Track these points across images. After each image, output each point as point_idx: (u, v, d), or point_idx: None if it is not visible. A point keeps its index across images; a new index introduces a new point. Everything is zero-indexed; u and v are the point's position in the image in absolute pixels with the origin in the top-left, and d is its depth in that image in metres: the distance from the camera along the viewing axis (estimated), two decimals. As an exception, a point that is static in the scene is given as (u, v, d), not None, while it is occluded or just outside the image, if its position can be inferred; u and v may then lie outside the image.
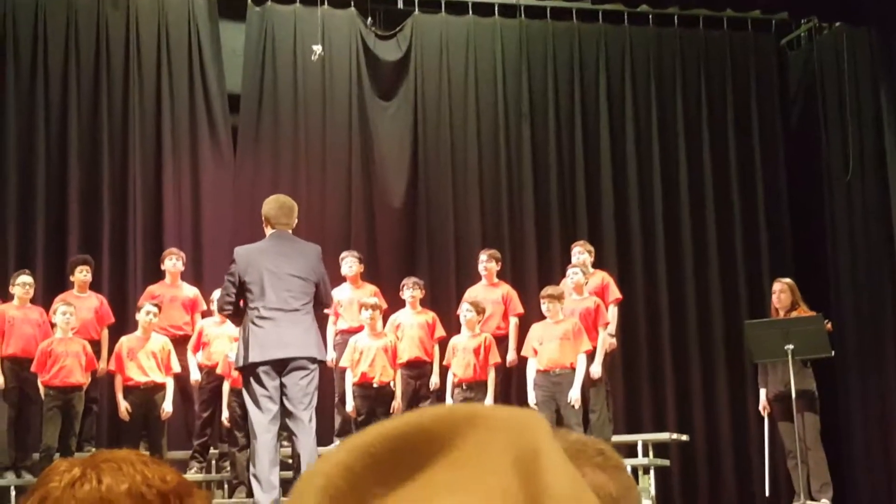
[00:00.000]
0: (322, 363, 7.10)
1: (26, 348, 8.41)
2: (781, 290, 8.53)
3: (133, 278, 9.79)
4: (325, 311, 7.50)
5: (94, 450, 8.68)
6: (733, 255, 11.10)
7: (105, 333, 8.94)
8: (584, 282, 8.95)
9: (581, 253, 9.24)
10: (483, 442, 0.58)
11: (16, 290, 8.56)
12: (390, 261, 10.47)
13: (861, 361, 10.44)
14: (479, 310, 8.86)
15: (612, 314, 9.10)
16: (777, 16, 11.41)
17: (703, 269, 11.02)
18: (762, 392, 8.57)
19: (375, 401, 8.69)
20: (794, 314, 8.35)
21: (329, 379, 8.77)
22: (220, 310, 7.47)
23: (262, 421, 6.56)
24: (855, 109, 10.81)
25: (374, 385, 8.68)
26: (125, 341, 8.58)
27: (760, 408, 8.63)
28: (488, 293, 9.34)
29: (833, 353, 8.14)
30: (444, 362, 8.89)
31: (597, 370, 8.73)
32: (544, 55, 11.17)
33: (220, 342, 8.69)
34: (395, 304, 9.25)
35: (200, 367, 8.77)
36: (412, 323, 9.10)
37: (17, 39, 9.91)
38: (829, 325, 8.31)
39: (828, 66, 11.23)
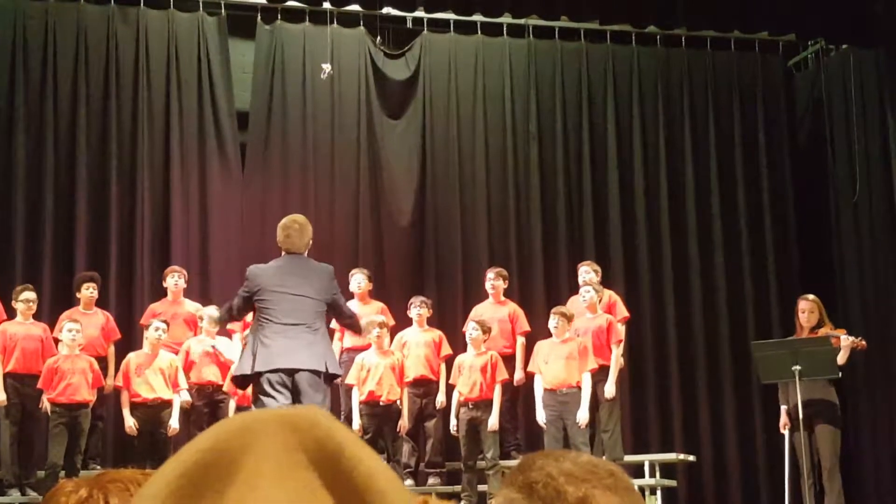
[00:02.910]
0: (333, 379, 7.04)
1: (28, 364, 8.40)
2: (810, 310, 8.38)
3: (140, 295, 9.79)
4: (350, 321, 7.35)
5: (99, 467, 8.67)
6: (740, 275, 11.08)
7: (111, 350, 8.93)
8: (596, 300, 8.95)
9: (588, 272, 9.24)
10: (269, 448, 0.58)
11: (18, 305, 8.55)
12: (397, 278, 10.48)
13: (870, 382, 10.41)
14: (485, 328, 8.85)
15: (621, 332, 9.09)
16: (784, 37, 11.42)
17: (710, 288, 11.01)
18: (783, 409, 8.41)
19: (382, 419, 8.68)
20: (820, 332, 8.27)
21: (335, 396, 8.76)
22: (220, 318, 7.50)
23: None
24: (862, 131, 10.83)
25: (381, 403, 8.67)
26: (133, 357, 8.58)
27: (781, 425, 8.49)
28: (495, 311, 9.34)
29: (840, 374, 8.09)
30: (450, 380, 8.87)
31: (610, 389, 8.72)
32: (552, 75, 11.20)
33: (210, 360, 8.69)
34: (403, 321, 9.25)
35: (190, 387, 8.74)
36: (419, 341, 9.09)
37: (27, 54, 9.96)
38: (862, 342, 8.22)
39: (835, 88, 11.25)
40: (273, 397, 6.51)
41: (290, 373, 6.55)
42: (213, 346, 8.74)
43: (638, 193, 11.11)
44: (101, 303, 9.14)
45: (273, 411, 0.61)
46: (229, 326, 8.57)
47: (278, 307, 6.57)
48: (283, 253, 6.87)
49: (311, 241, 6.93)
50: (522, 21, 11.03)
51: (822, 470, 8.12)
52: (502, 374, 8.78)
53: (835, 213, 11.13)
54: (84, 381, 8.31)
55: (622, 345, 9.02)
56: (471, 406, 8.69)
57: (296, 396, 6.49)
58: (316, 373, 6.60)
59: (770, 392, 8.88)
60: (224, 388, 8.65)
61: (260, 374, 6.56)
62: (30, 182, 9.79)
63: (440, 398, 9.02)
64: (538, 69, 11.17)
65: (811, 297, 8.51)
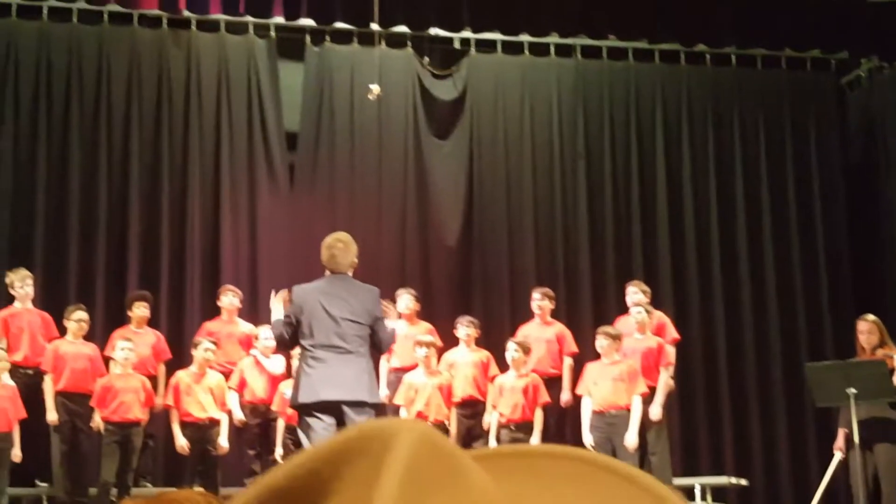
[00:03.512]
0: (376, 406, 6.94)
1: (78, 383, 8.49)
2: (869, 330, 8.21)
3: (190, 314, 9.87)
4: (383, 346, 7.34)
5: (149, 485, 8.75)
6: (793, 296, 10.95)
7: (162, 369, 9.00)
8: (647, 321, 8.89)
9: (636, 293, 9.17)
10: (362, 472, 0.56)
11: (70, 325, 8.65)
12: (444, 299, 10.46)
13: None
14: (526, 349, 8.80)
15: (671, 355, 9.01)
16: (837, 55, 11.31)
17: (761, 310, 10.89)
18: (841, 431, 8.20)
19: (429, 439, 8.62)
20: (879, 352, 8.11)
21: (383, 416, 8.74)
22: (279, 345, 7.42)
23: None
24: (916, 149, 10.68)
25: (429, 423, 8.63)
26: (183, 376, 8.63)
27: (835, 446, 8.29)
28: (542, 332, 9.30)
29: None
30: (491, 402, 8.82)
31: (657, 412, 8.64)
32: (600, 94, 11.16)
33: (263, 379, 8.72)
34: (449, 342, 9.23)
35: (243, 406, 8.77)
36: (466, 361, 9.07)
37: (81, 77, 10.11)
38: None
39: (889, 106, 11.11)
40: (319, 418, 6.47)
41: (334, 405, 6.48)
42: (266, 368, 8.77)
43: (687, 213, 11.03)
44: (152, 322, 9.22)
45: (370, 428, 0.58)
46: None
47: (321, 331, 6.46)
48: (327, 272, 6.75)
49: (356, 260, 6.80)
50: (570, 41, 11.01)
51: (882, 494, 7.95)
52: (543, 396, 8.73)
53: (888, 232, 10.97)
54: (136, 399, 8.38)
55: (671, 368, 8.94)
56: (513, 428, 8.65)
57: (340, 420, 6.45)
58: (359, 403, 6.52)
59: (823, 415, 8.76)
60: (273, 408, 8.67)
61: (305, 404, 6.50)
62: (84, 202, 9.93)
63: (487, 419, 8.98)
64: (586, 89, 11.14)
65: (871, 317, 8.29)
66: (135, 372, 8.53)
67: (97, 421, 8.38)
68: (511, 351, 8.76)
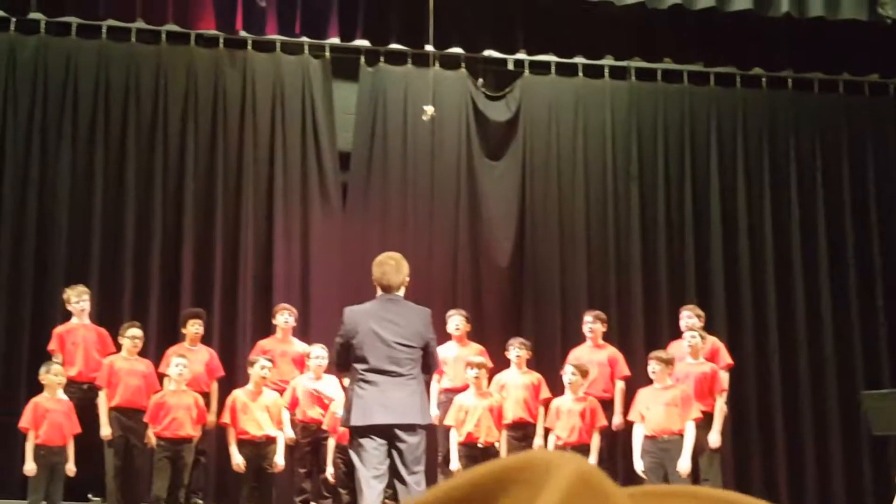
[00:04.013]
0: (427, 427, 6.91)
1: (132, 399, 8.56)
2: None
3: (242, 332, 9.93)
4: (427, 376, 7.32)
5: (201, 502, 8.80)
6: (848, 322, 10.81)
7: (215, 386, 9.05)
8: (701, 345, 8.82)
9: (690, 317, 9.10)
10: (519, 501, 0.58)
11: (124, 342, 8.73)
12: (496, 320, 10.44)
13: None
14: (583, 372, 8.76)
15: (725, 381, 8.92)
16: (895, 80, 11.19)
17: (816, 336, 10.76)
18: None
19: (480, 461, 8.48)
20: None
21: (433, 438, 8.74)
22: (337, 368, 7.40)
23: (369, 477, 6.48)
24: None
25: (480, 445, 8.63)
26: (239, 395, 8.67)
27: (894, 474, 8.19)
28: (593, 355, 9.24)
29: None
30: (546, 424, 8.79)
31: (715, 438, 8.56)
32: (654, 117, 11.12)
33: (315, 398, 8.75)
34: (500, 363, 9.20)
35: (294, 424, 8.79)
36: (518, 383, 9.04)
37: (139, 95, 10.23)
38: None
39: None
40: (371, 438, 6.45)
41: (386, 428, 6.47)
42: (317, 389, 8.80)
43: (741, 237, 10.94)
44: (205, 341, 9.28)
45: (535, 457, 0.61)
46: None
47: (372, 354, 6.41)
48: (378, 290, 6.68)
49: (407, 279, 6.70)
50: (625, 63, 10.99)
51: None
52: (601, 420, 8.68)
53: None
54: (189, 416, 8.44)
55: (725, 394, 8.85)
56: (569, 451, 8.58)
57: (391, 441, 6.43)
58: (411, 426, 6.50)
59: (880, 443, 8.63)
60: (324, 427, 8.69)
61: (357, 427, 6.49)
62: (139, 219, 10.04)
63: (538, 441, 8.94)
64: (640, 111, 11.10)
65: None
66: (188, 389, 8.60)
67: (150, 437, 8.44)
68: (568, 374, 8.72)
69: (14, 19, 9.97)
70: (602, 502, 0.58)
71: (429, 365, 6.69)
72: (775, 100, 11.28)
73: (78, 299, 8.91)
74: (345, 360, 6.64)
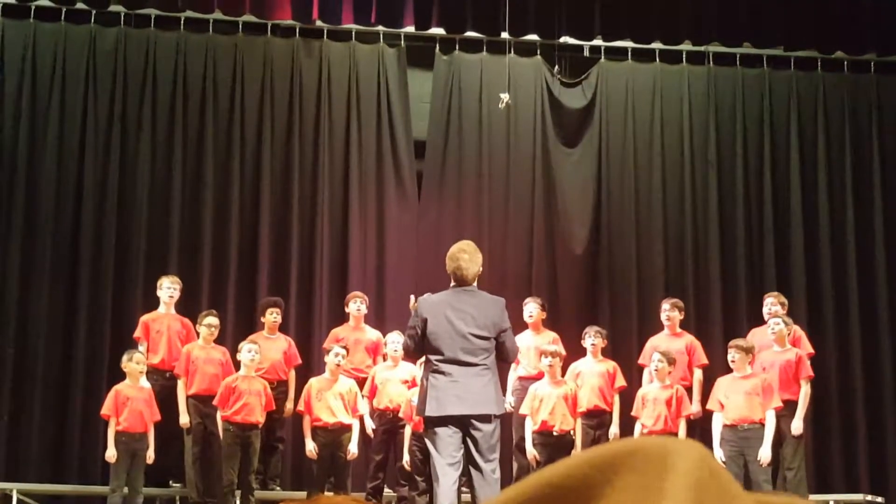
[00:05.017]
0: (501, 417, 6.86)
1: (209, 387, 8.66)
2: None
3: (318, 320, 10.00)
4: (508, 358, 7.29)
5: (278, 488, 8.91)
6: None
7: (292, 374, 9.13)
8: (786, 332, 8.70)
9: (774, 304, 8.99)
10: (631, 488, 0.56)
11: (202, 330, 8.85)
12: (571, 308, 10.40)
13: None
14: (670, 360, 8.69)
15: (810, 368, 8.80)
16: None
17: (897, 325, 10.55)
18: None
19: (555, 449, 8.59)
20: None
21: (508, 426, 8.73)
22: (407, 354, 7.42)
23: (444, 465, 6.48)
24: None
25: (554, 433, 8.61)
26: (314, 383, 8.72)
27: None
28: (671, 343, 9.16)
29: None
30: (633, 413, 8.72)
31: (798, 426, 8.47)
32: (732, 102, 10.95)
33: (393, 386, 8.76)
34: (575, 351, 9.16)
35: (372, 412, 8.83)
36: (593, 371, 8.99)
37: (216, 85, 10.34)
38: None
39: None
40: (446, 427, 6.45)
41: (461, 419, 6.46)
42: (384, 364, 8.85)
43: (823, 223, 10.74)
44: (282, 328, 9.36)
45: (645, 444, 0.60)
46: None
47: (446, 344, 6.39)
48: (452, 282, 6.63)
49: (481, 269, 6.66)
50: (703, 48, 10.84)
51: None
52: (687, 408, 8.61)
53: None
54: (258, 402, 8.52)
55: (811, 380, 8.72)
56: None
57: (465, 430, 6.42)
58: (486, 417, 6.49)
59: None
60: (400, 414, 8.73)
61: (431, 417, 6.49)
62: (216, 209, 10.14)
63: (613, 430, 8.89)
64: (718, 96, 10.94)
65: None
66: (258, 375, 8.67)
67: (218, 420, 8.50)
68: (655, 362, 8.65)
69: (95, 11, 10.13)
70: (725, 490, 0.56)
71: (506, 353, 6.67)
72: (857, 83, 11.04)
73: (171, 287, 9.04)
74: (419, 346, 6.64)
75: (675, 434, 8.41)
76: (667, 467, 0.56)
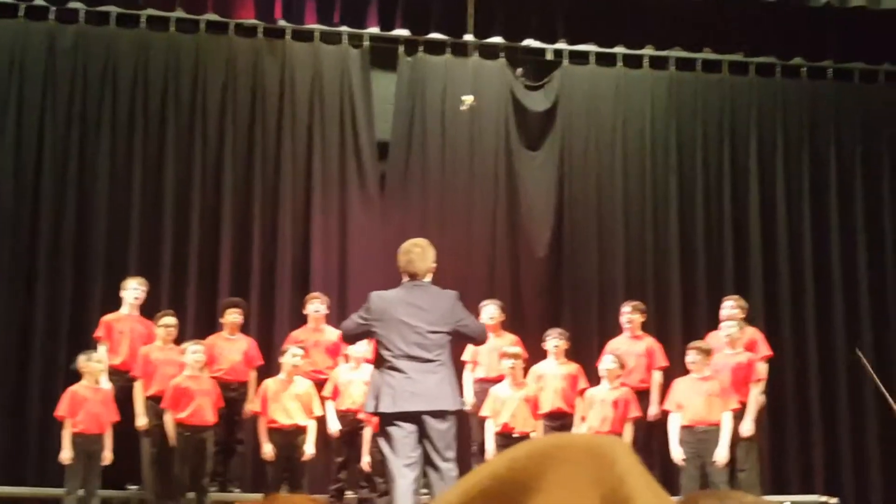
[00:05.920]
0: (457, 413, 6.84)
1: (167, 388, 8.59)
2: None
3: (280, 321, 9.95)
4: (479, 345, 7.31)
5: (238, 490, 8.85)
6: (886, 314, 10.72)
7: (253, 375, 9.07)
8: (738, 336, 8.78)
9: (733, 308, 9.05)
10: (568, 478, 0.59)
11: (159, 331, 8.77)
12: (533, 310, 10.43)
13: None
14: (622, 363, 8.74)
15: (761, 371, 8.88)
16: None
17: (854, 327, 10.66)
18: None
19: (516, 451, 8.60)
20: None
21: (467, 427, 8.74)
22: (344, 336, 7.28)
23: (400, 466, 6.43)
24: None
25: (515, 435, 8.62)
26: (270, 384, 8.69)
27: None
28: (632, 346, 9.22)
29: None
30: (581, 413, 8.76)
31: (748, 427, 8.53)
32: (693, 107, 11.04)
33: (355, 387, 8.70)
34: (537, 354, 9.18)
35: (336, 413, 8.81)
36: (555, 374, 9.02)
37: (178, 84, 10.27)
38: None
39: None
40: (399, 426, 6.39)
41: (415, 416, 6.42)
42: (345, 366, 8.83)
43: (780, 228, 10.85)
44: (243, 329, 9.31)
45: (578, 439, 0.63)
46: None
47: (401, 341, 6.34)
48: (405, 278, 6.59)
49: (434, 265, 6.60)
50: (665, 53, 10.91)
51: None
52: (634, 411, 8.66)
53: None
54: (209, 403, 8.47)
55: (762, 384, 8.80)
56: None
57: (421, 427, 6.38)
58: (441, 413, 6.45)
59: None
60: (361, 416, 8.70)
61: (386, 414, 6.44)
62: (177, 209, 10.07)
63: (575, 431, 8.93)
64: (679, 101, 11.03)
65: None
66: (205, 374, 8.60)
67: (167, 422, 8.42)
68: (608, 362, 8.70)
69: (54, 8, 10.03)
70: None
71: (471, 336, 6.70)
72: (816, 90, 11.16)
73: (137, 289, 8.96)
74: (356, 337, 6.71)
75: (620, 434, 8.46)
76: (612, 457, 0.58)
